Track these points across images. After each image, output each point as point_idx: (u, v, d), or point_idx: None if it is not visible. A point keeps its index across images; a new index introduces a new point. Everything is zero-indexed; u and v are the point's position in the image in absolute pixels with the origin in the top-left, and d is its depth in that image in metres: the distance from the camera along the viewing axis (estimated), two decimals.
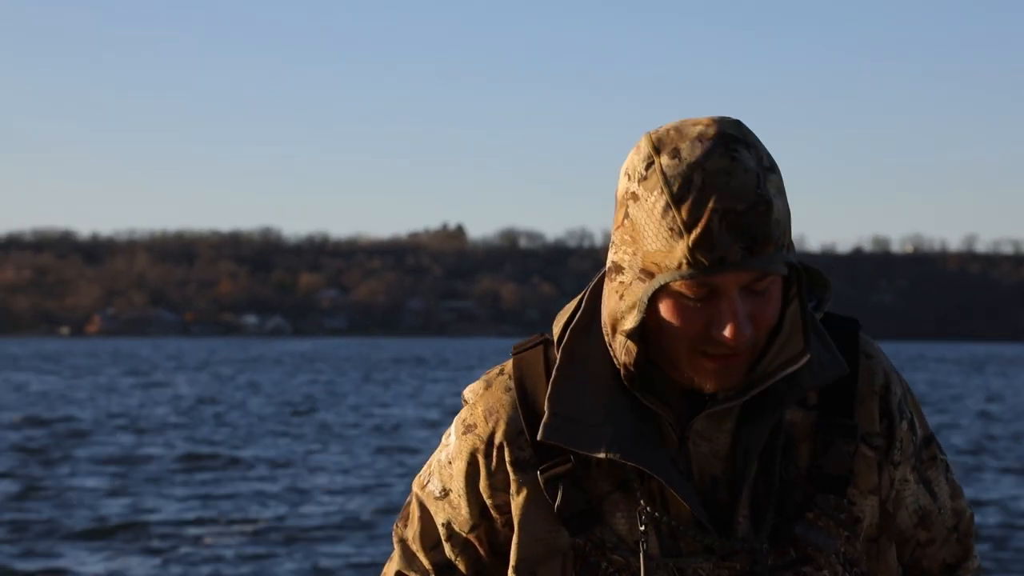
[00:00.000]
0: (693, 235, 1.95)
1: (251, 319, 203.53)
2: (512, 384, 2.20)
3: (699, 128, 2.01)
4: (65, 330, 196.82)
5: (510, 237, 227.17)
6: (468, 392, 2.25)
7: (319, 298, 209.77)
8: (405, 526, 2.32)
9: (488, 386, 2.23)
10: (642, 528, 2.10)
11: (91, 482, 21.27)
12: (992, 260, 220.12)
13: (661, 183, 1.98)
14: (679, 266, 1.96)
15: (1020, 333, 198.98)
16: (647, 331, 2.06)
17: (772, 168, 2.01)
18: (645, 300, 2.01)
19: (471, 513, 2.22)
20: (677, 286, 1.99)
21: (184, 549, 15.19)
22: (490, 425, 2.19)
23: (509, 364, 2.24)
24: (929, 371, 75.28)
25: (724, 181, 1.95)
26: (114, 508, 18.35)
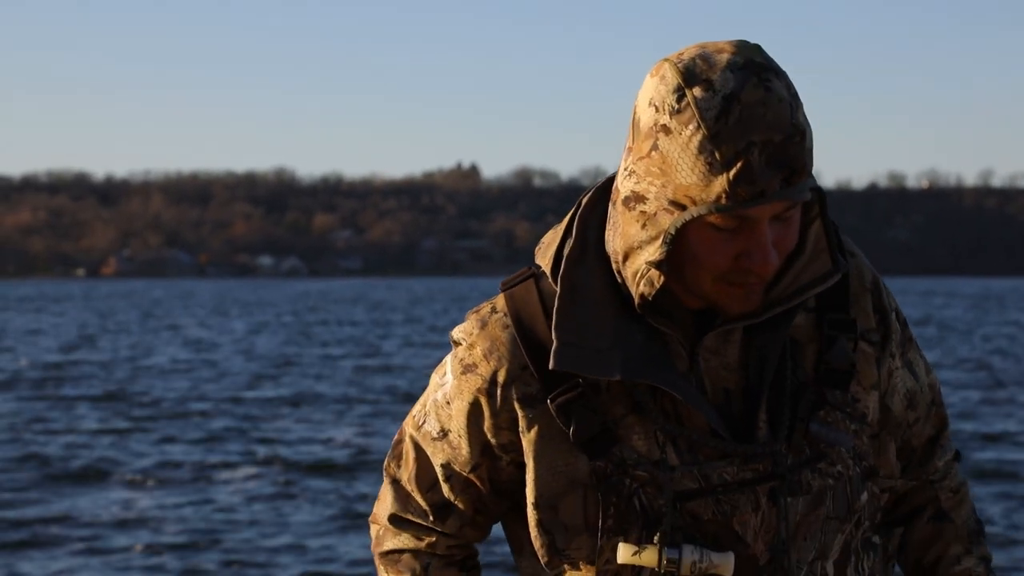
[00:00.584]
0: (734, 170, 1.94)
1: (266, 260, 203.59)
2: (509, 321, 2.18)
3: (726, 56, 1.98)
4: (81, 272, 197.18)
5: (524, 176, 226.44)
6: (460, 333, 2.23)
7: (334, 239, 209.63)
8: (399, 467, 2.30)
9: (483, 325, 2.20)
10: (659, 441, 2.11)
11: (95, 423, 21.33)
12: (1008, 195, 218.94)
13: (696, 117, 1.95)
14: (717, 199, 1.96)
15: None
16: (667, 260, 2.05)
17: (798, 95, 1.99)
18: (673, 231, 2.00)
19: (472, 453, 2.21)
20: (711, 219, 1.99)
21: (192, 492, 15.23)
22: (492, 364, 2.17)
23: (500, 301, 2.22)
24: (944, 307, 75.09)
25: (761, 113, 1.94)
26: (126, 449, 18.40)
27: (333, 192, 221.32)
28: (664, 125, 1.98)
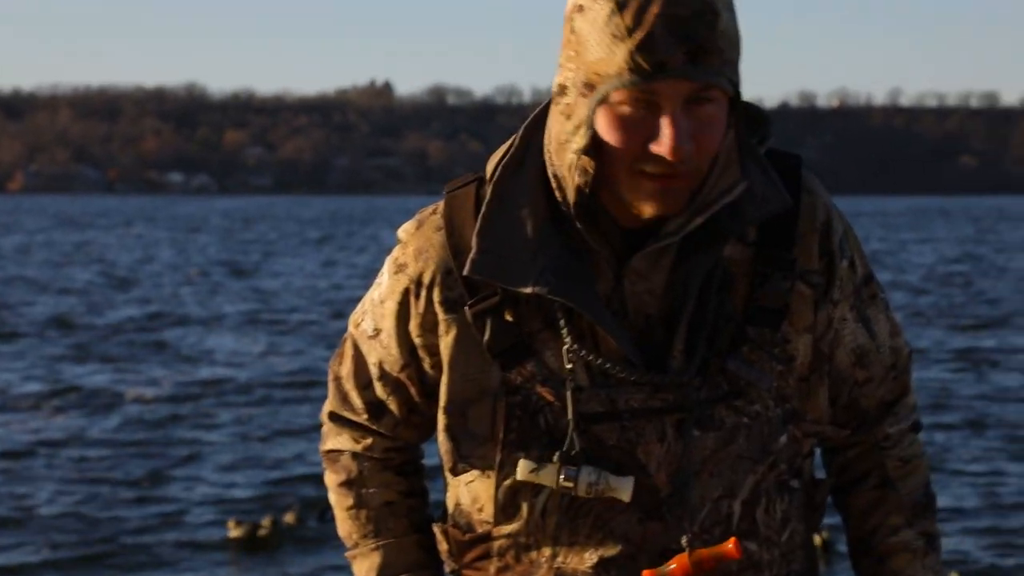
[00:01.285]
0: (635, 38, 1.93)
1: (176, 177, 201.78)
2: (442, 223, 2.18)
3: None
4: None
5: (438, 94, 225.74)
6: (401, 231, 2.24)
7: (245, 155, 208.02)
8: (340, 364, 2.32)
9: (420, 225, 2.21)
10: (568, 365, 2.09)
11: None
12: (915, 114, 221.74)
13: None
14: (619, 72, 1.95)
15: (942, 186, 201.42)
16: (592, 155, 2.04)
17: None
18: (590, 115, 2.00)
19: (400, 353, 2.22)
20: (617, 96, 1.98)
21: (101, 413, 15.32)
22: (420, 264, 2.18)
23: (442, 203, 2.21)
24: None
25: None
26: (17, 371, 18.41)
27: (244, 108, 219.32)
28: (580, 5, 2.00)
